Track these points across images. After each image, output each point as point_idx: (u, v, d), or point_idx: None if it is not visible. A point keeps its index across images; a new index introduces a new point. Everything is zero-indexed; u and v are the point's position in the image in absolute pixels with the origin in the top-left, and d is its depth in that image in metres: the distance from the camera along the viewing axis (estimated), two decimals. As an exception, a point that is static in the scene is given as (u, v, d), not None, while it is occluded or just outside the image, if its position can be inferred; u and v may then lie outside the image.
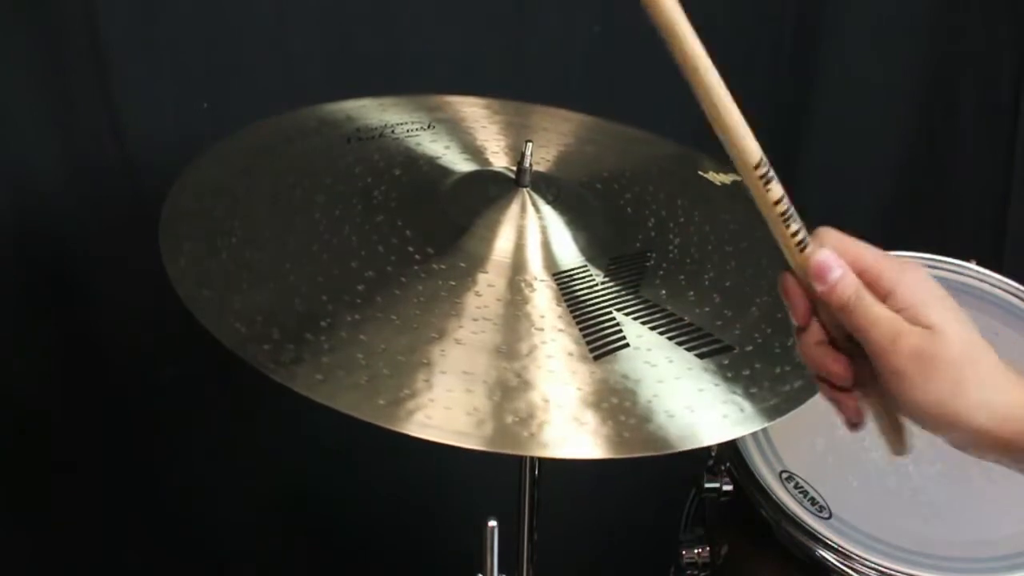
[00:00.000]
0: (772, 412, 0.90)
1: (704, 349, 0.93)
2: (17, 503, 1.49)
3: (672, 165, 1.21)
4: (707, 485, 1.15)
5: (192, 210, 0.99)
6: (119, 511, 1.54)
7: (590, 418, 0.85)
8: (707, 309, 0.97)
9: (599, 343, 0.91)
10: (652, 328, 0.93)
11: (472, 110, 1.21)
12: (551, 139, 1.17)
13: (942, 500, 1.09)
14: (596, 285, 0.96)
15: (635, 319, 0.94)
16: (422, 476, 1.56)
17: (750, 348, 0.94)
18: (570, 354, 0.89)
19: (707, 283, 1.01)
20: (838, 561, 1.05)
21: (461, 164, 1.09)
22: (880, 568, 1.03)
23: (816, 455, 1.13)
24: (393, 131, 1.13)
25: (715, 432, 0.88)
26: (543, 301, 0.93)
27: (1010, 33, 1.65)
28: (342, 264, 0.94)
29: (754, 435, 1.13)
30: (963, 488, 1.10)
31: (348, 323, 0.88)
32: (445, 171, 1.08)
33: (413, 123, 1.15)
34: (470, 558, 1.01)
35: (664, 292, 0.98)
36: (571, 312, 0.93)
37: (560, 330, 0.91)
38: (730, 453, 1.13)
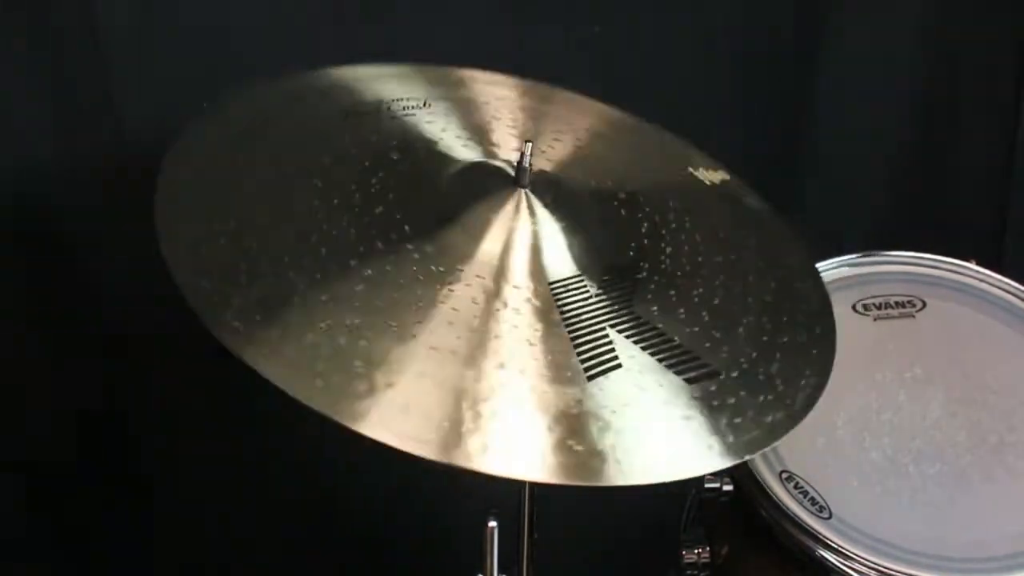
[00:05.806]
0: (751, 446, 0.89)
1: (692, 374, 0.91)
2: (16, 505, 1.49)
3: (664, 162, 1.18)
4: (707, 485, 1.15)
5: (185, 180, 0.97)
6: (119, 514, 1.53)
7: (546, 441, 0.82)
8: (696, 329, 0.96)
9: (589, 359, 0.89)
10: (644, 348, 0.92)
11: (487, 87, 1.18)
12: (560, 128, 1.15)
13: (942, 500, 1.09)
14: (589, 298, 0.94)
15: (626, 337, 0.92)
16: (422, 476, 1.55)
17: (735, 374, 0.93)
18: (540, 370, 0.87)
19: (696, 300, 1.00)
20: (838, 561, 1.05)
21: (466, 152, 1.07)
22: (880, 568, 1.03)
23: (816, 455, 1.12)
24: (402, 107, 1.10)
25: (693, 464, 0.86)
26: (521, 312, 0.91)
27: (1010, 33, 1.65)
28: (334, 253, 0.92)
29: (754, 435, 1.13)
30: (963, 488, 1.10)
31: (322, 311, 0.86)
32: (446, 159, 1.05)
33: (416, 100, 1.12)
34: (470, 558, 1.01)
35: (655, 308, 0.96)
36: (553, 327, 0.90)
37: (532, 344, 0.89)
38: (730, 453, 1.13)
